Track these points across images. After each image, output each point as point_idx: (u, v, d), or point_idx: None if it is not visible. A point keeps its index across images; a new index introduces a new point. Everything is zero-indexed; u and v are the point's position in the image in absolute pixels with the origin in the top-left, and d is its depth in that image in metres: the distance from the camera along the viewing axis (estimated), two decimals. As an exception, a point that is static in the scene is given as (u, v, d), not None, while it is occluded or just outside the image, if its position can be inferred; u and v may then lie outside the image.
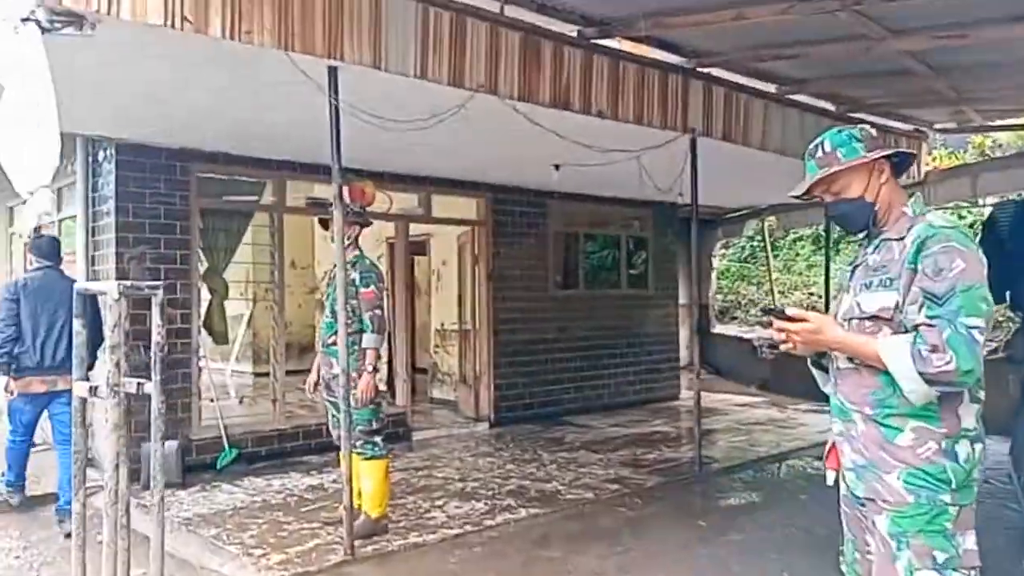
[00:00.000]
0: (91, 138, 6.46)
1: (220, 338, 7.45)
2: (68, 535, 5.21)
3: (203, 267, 7.05)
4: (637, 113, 6.00)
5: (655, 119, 6.15)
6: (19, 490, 5.56)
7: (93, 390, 2.96)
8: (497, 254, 8.91)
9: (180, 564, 4.44)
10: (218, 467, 6.53)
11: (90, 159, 6.57)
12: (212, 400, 6.90)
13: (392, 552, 4.50)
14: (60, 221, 7.53)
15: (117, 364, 2.91)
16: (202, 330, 6.95)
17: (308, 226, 11.25)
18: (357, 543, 4.44)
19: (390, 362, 8.66)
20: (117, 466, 2.90)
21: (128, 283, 2.94)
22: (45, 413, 5.35)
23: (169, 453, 6.09)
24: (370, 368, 4.62)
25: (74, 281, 6.23)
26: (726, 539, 4.85)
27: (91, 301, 3.22)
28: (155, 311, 2.94)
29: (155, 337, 2.93)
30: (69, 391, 5.11)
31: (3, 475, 5.60)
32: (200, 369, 6.77)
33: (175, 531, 4.93)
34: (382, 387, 4.87)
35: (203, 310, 7.03)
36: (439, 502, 5.52)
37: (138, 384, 2.96)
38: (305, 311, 11.85)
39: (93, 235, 6.63)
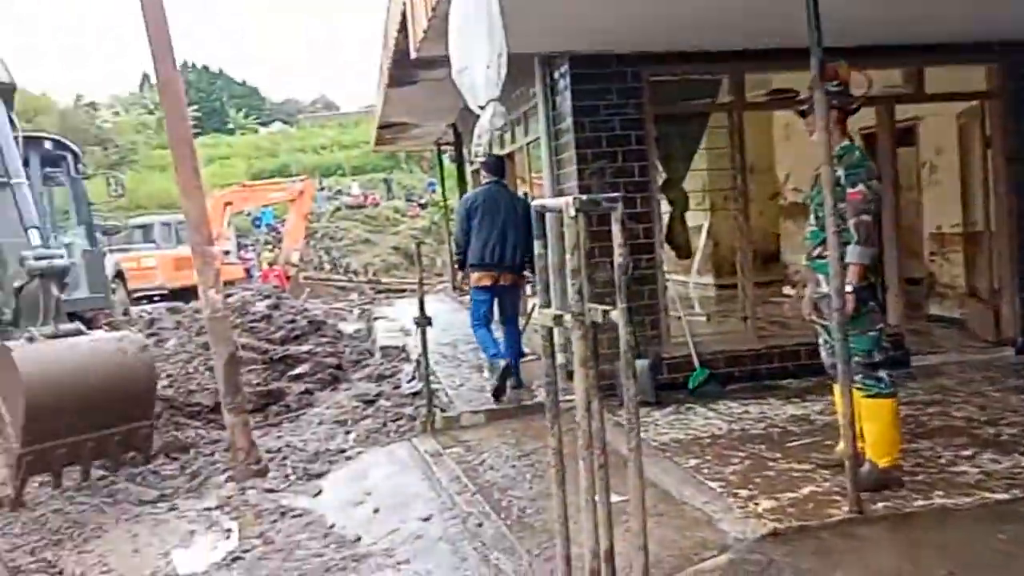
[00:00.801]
0: (547, 56, 6.43)
1: (683, 251, 7.07)
2: (497, 390, 6.18)
3: (661, 178, 6.67)
4: None
5: None
6: (499, 356, 6.35)
7: (557, 319, 2.66)
8: (1018, 132, 6.91)
9: (661, 495, 4.14)
10: (690, 387, 6.20)
11: (547, 78, 6.56)
12: (679, 317, 6.58)
13: (912, 514, 3.58)
14: (527, 145, 7.83)
15: (580, 292, 2.54)
16: (664, 244, 6.62)
17: (767, 125, 10.31)
18: (863, 497, 3.62)
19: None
20: (589, 405, 2.57)
21: (584, 198, 2.53)
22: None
23: (642, 372, 5.91)
24: (849, 288, 3.67)
25: (514, 194, 6.88)
26: None
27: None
28: (615, 228, 2.49)
29: (617, 257, 2.49)
30: (510, 285, 6.31)
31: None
32: (666, 285, 6.47)
33: (653, 456, 4.67)
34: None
35: (664, 223, 6.69)
36: (964, 452, 4.35)
37: (603, 312, 2.56)
38: (766, 218, 10.95)
39: (556, 154, 6.67)
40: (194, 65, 60.94)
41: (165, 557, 4.39)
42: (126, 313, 9.59)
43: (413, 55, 6.02)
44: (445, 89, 8.77)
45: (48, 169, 9.57)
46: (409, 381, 7.51)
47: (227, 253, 23.91)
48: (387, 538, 4.14)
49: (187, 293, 18.07)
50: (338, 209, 34.94)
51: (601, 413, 2.62)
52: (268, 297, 8.71)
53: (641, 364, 5.90)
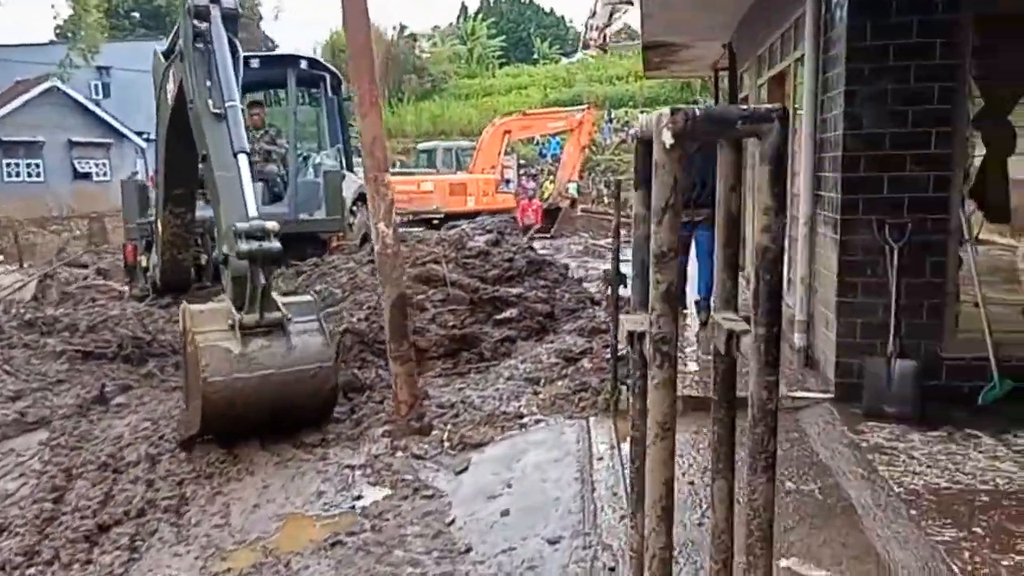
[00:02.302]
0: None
1: (997, 212, 5.10)
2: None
3: (975, 108, 4.77)
4: None
5: None
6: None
7: (634, 339, 1.49)
8: None
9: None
10: (980, 402, 4.45)
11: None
12: (977, 304, 4.74)
13: None
14: (794, 65, 6.20)
15: (666, 292, 1.35)
16: (966, 200, 4.75)
17: None
18: None
19: None
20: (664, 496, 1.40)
21: (697, 111, 1.32)
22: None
23: (903, 376, 4.33)
24: None
25: None
26: None
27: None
28: (763, 169, 1.27)
29: (758, 233, 1.26)
30: (702, 222, 6.22)
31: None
32: (960, 258, 4.67)
33: (888, 511, 3.24)
34: None
35: (972, 170, 4.81)
36: None
37: (729, 335, 1.35)
38: None
39: (823, 71, 5.06)
40: (506, -6, 62.78)
41: (278, 520, 3.96)
42: (365, 239, 9.54)
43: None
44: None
45: (306, 89, 9.76)
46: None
47: (507, 183, 24.23)
48: (497, 558, 3.26)
49: (461, 217, 18.57)
50: (623, 141, 34.02)
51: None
52: (489, 232, 8.09)
53: (903, 367, 4.31)
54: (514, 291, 7.30)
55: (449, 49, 52.82)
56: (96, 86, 33.21)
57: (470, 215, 19.92)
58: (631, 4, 3.71)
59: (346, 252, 8.25)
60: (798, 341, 5.10)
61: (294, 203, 8.96)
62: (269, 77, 9.31)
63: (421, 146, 23.65)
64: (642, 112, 37.46)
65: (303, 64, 9.21)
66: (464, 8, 61.36)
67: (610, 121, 37.31)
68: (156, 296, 8.04)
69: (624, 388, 4.83)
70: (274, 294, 5.13)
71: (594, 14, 4.93)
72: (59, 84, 28.46)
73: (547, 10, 62.29)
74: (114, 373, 6.62)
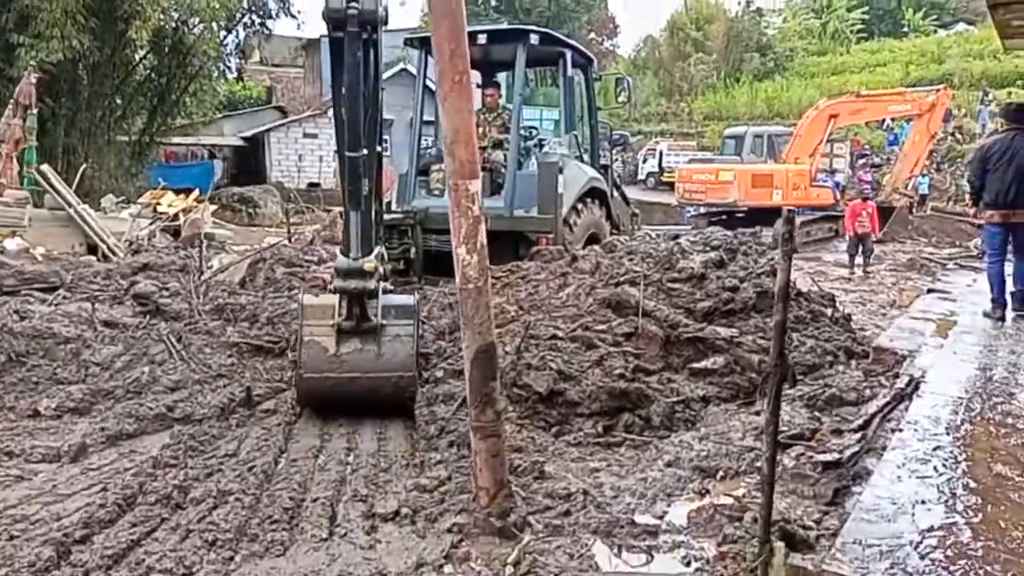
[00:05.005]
0: None
1: None
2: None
3: None
4: None
5: None
6: (1000, 306, 6.80)
7: None
8: None
9: None
10: None
11: None
12: None
13: None
14: None
15: None
16: None
17: None
18: None
19: None
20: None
21: None
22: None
23: None
24: None
25: None
26: None
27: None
28: None
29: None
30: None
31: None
32: None
33: None
34: None
35: None
36: None
37: None
38: None
39: None
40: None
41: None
42: (590, 242, 8.15)
43: None
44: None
45: (543, 68, 8.67)
46: (857, 430, 4.52)
47: (833, 174, 21.10)
48: None
49: (765, 214, 16.14)
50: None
51: None
52: (715, 248, 6.29)
53: None
54: (725, 332, 5.53)
55: (800, 24, 48.27)
56: (439, 69, 35.56)
57: (777, 211, 17.39)
58: None
59: (546, 259, 7.03)
60: None
61: (510, 197, 7.97)
62: (499, 55, 8.34)
63: (727, 131, 21.38)
64: (1030, 93, 30.55)
65: (534, 39, 7.99)
66: (833, -26, 55.26)
67: (988, 103, 31.06)
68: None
69: (782, 545, 3.04)
70: (382, 289, 5.33)
71: None
72: (408, 67, 30.81)
73: (931, -25, 53.63)
74: (274, 372, 6.25)
